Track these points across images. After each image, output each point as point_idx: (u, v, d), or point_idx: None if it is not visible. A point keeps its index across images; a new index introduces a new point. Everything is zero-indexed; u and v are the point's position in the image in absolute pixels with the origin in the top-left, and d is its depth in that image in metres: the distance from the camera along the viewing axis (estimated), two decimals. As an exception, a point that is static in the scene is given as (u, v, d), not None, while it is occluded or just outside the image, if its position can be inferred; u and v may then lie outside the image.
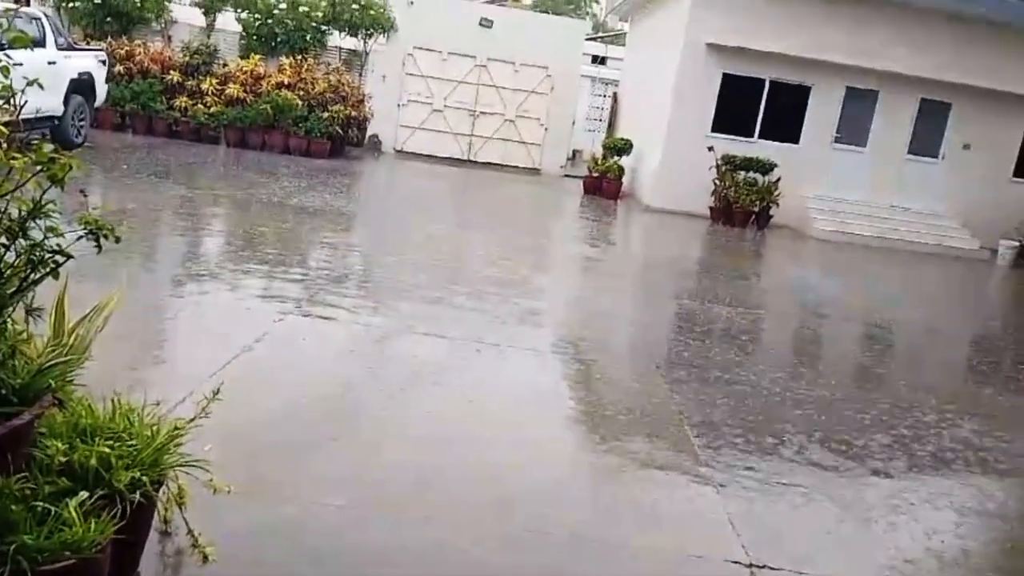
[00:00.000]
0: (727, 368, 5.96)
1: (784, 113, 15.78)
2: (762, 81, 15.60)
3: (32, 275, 2.26)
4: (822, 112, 15.89)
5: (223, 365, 4.47)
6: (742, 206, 14.84)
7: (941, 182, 16.21)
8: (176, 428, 2.64)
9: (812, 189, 15.65)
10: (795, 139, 15.95)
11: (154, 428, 2.61)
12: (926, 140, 16.18)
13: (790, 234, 15.01)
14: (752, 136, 15.79)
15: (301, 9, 17.36)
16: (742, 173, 15.03)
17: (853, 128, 15.99)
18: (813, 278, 11.91)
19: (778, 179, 14.96)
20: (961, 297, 12.32)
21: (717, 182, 15.08)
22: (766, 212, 15.02)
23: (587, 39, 22.97)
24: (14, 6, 11.41)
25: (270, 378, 4.57)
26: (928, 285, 12.83)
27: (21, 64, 2.45)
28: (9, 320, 2.40)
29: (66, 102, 11.55)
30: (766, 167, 14.96)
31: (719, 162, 15.04)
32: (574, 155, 21.84)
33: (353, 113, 16.60)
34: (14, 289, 2.28)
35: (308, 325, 5.61)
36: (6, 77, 2.16)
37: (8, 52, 2.37)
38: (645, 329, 7.33)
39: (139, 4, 16.75)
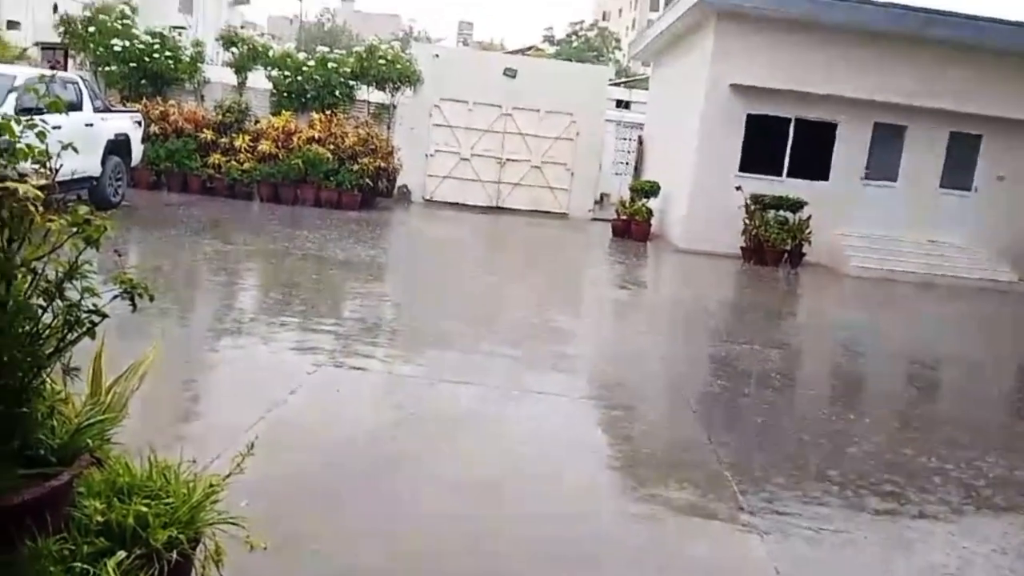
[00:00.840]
0: (766, 410, 5.84)
1: (811, 150, 15.71)
2: (787, 120, 15.59)
3: (69, 335, 2.27)
4: (850, 148, 15.81)
5: (258, 419, 4.46)
6: (773, 245, 14.72)
7: (976, 215, 15.97)
8: (212, 485, 2.62)
9: (844, 226, 15.49)
10: (824, 176, 15.86)
11: (190, 485, 2.59)
12: (958, 173, 15.99)
13: (825, 272, 14.83)
14: (780, 175, 15.72)
15: (330, 66, 17.75)
16: (772, 212, 14.93)
17: (883, 163, 15.87)
18: (851, 316, 11.72)
19: (808, 217, 14.84)
20: (1004, 331, 12.02)
21: (747, 221, 15.00)
22: (799, 250, 14.87)
23: (611, 84, 23.19)
24: (50, 72, 11.80)
25: (305, 431, 4.55)
26: (969, 320, 12.55)
27: (59, 127, 2.51)
28: (47, 380, 2.41)
29: (103, 163, 11.85)
30: (796, 205, 14.86)
31: (748, 201, 14.97)
32: (602, 198, 21.90)
33: (382, 164, 16.83)
34: (52, 349, 2.30)
35: (342, 376, 5.60)
36: (42, 142, 2.20)
37: (45, 117, 2.43)
38: (681, 372, 7.23)
39: (173, 66, 17.25)
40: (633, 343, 8.19)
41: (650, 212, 16.54)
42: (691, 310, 10.60)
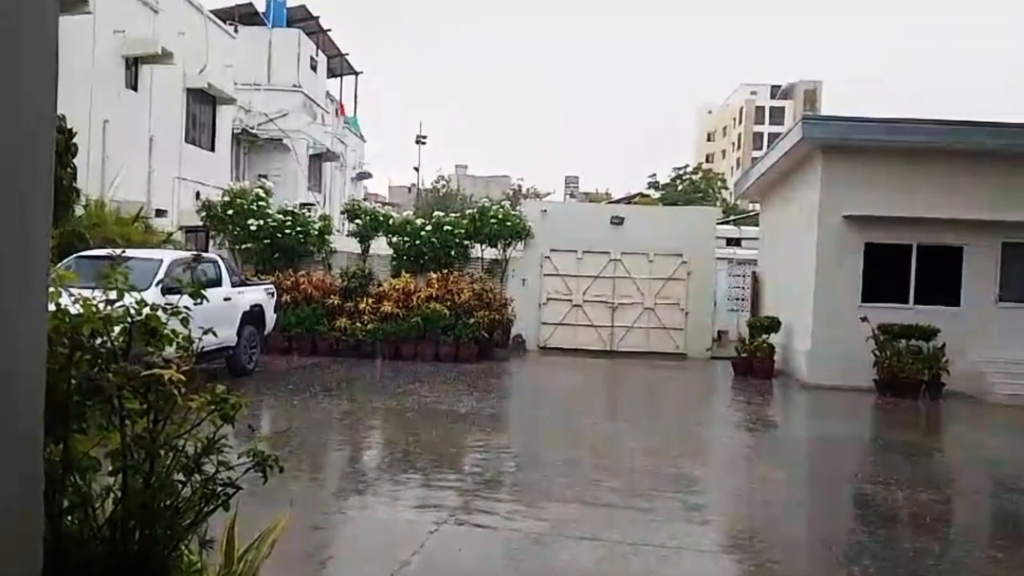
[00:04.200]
0: (920, 560, 5.34)
1: (938, 276, 15.05)
2: (909, 246, 15.09)
3: (206, 508, 2.39)
4: (979, 271, 15.05)
5: (382, 583, 4.44)
6: (909, 376, 13.91)
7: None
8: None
9: (983, 351, 14.52)
10: (955, 301, 15.07)
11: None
12: (1100, 288, 14.88)
13: (967, 401, 13.81)
14: (907, 302, 15.06)
15: (445, 228, 18.69)
16: (903, 341, 14.22)
17: (1017, 284, 14.97)
18: (1005, 449, 10.76)
19: (943, 345, 14.03)
20: None
21: (877, 353, 14.31)
22: (937, 380, 13.98)
23: (719, 223, 23.26)
24: (193, 254, 12.91)
25: (428, 595, 4.48)
26: None
27: (200, 303, 2.75)
28: (185, 552, 2.52)
29: (240, 333, 12.66)
30: (928, 333, 14.11)
31: (876, 332, 14.34)
32: (719, 336, 21.48)
33: (497, 316, 17.24)
34: (189, 522, 2.41)
35: (463, 534, 5.54)
36: (185, 327, 2.41)
37: (186, 297, 2.67)
38: (822, 520, 6.75)
39: (303, 240, 18.58)
40: (765, 490, 7.76)
41: (772, 348, 16.06)
42: (827, 451, 10.01)
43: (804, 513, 6.92)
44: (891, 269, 15.04)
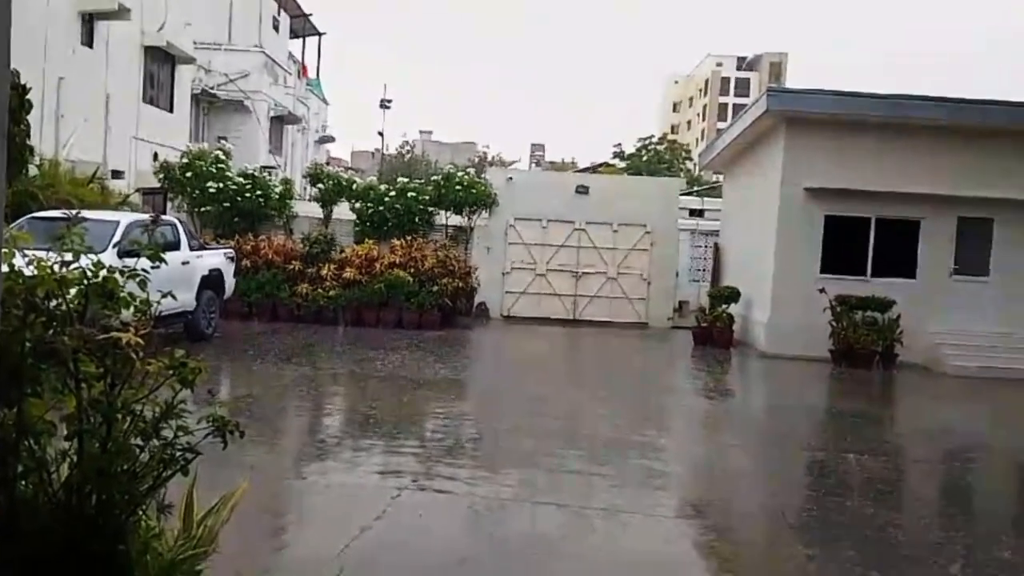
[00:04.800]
0: (870, 525, 5.50)
1: (895, 249, 15.34)
2: (867, 219, 15.33)
3: (164, 473, 2.36)
4: (935, 245, 15.37)
5: (343, 547, 4.46)
6: (864, 347, 14.22)
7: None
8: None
9: (937, 324, 14.88)
10: (911, 274, 15.39)
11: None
12: (1055, 263, 15.30)
13: (922, 373, 14.18)
14: (865, 274, 15.33)
15: (410, 195, 18.52)
16: (859, 313, 14.50)
17: (972, 258, 15.32)
18: (955, 419, 11.09)
19: (898, 316, 14.35)
20: None
21: (834, 324, 14.59)
22: (891, 351, 14.31)
23: (683, 194, 23.38)
24: (151, 216, 12.65)
25: (390, 558, 4.51)
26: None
27: (157, 266, 2.71)
28: (143, 517, 2.49)
29: (198, 298, 12.48)
30: (884, 305, 14.41)
31: (833, 303, 14.61)
32: (680, 306, 21.71)
33: (461, 284, 17.20)
34: (147, 487, 2.39)
35: (425, 499, 5.58)
36: (143, 290, 2.36)
37: (144, 259, 2.62)
38: (776, 486, 6.92)
39: (264, 203, 18.28)
40: (723, 456, 7.91)
41: (731, 318, 16.29)
42: (784, 419, 10.23)
43: (758, 480, 7.08)
44: (850, 242, 15.28)
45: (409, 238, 17.74)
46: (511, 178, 20.16)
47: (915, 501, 6.71)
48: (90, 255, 2.61)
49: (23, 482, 2.37)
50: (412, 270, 16.72)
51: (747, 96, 71.04)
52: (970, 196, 14.88)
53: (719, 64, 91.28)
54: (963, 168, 14.98)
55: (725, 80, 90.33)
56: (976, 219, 15.29)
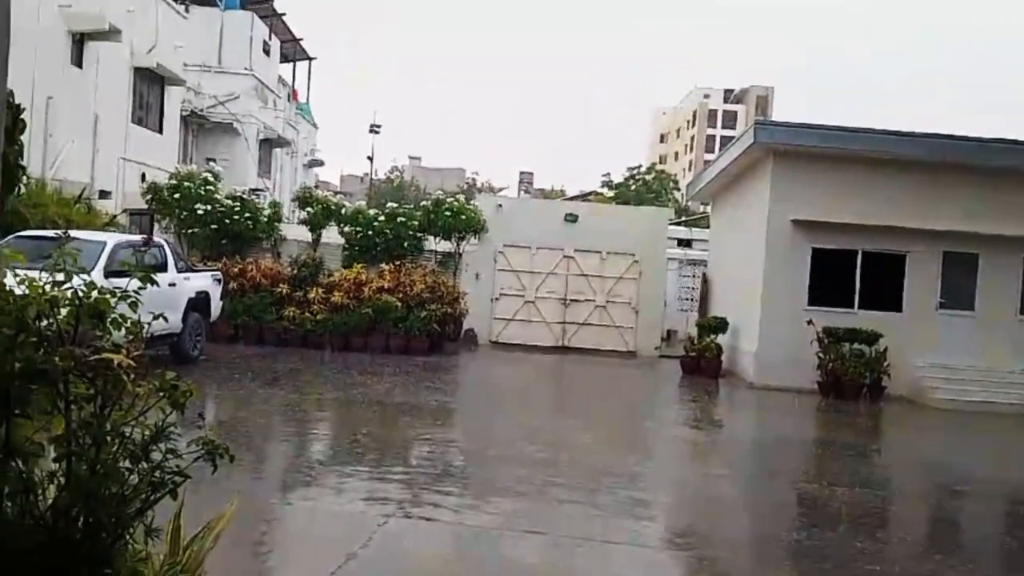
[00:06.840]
0: (857, 559, 5.48)
1: (882, 282, 15.44)
2: (855, 252, 15.45)
3: (152, 496, 2.33)
4: (921, 279, 15.49)
5: (329, 575, 4.39)
6: (852, 379, 14.27)
7: (1062, 341, 15.25)
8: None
9: (923, 357, 14.96)
10: (897, 307, 15.49)
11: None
12: (1038, 299, 15.45)
13: (907, 405, 14.22)
14: (852, 307, 15.41)
15: (399, 219, 18.54)
16: (846, 345, 14.57)
17: (958, 292, 15.45)
18: (942, 452, 11.10)
19: (885, 349, 14.42)
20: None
21: (821, 356, 14.64)
22: (878, 383, 14.37)
23: (671, 224, 23.54)
24: (140, 238, 12.60)
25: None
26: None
27: (148, 287, 2.69)
28: (130, 541, 2.45)
29: (184, 319, 12.39)
30: (871, 338, 14.48)
31: (820, 335, 14.67)
32: (668, 335, 21.77)
33: (449, 310, 17.17)
34: (135, 510, 2.35)
35: (411, 527, 5.52)
36: (134, 312, 2.34)
37: (131, 281, 2.60)
38: (763, 517, 6.89)
39: (252, 226, 18.22)
40: (709, 487, 7.88)
41: (719, 348, 16.32)
42: (771, 450, 10.21)
43: (744, 511, 7.06)
44: (837, 274, 15.38)
45: (398, 263, 17.72)
46: (500, 205, 20.25)
47: (902, 534, 6.69)
48: (82, 275, 2.59)
49: (10, 503, 2.32)
50: (400, 295, 16.67)
51: (734, 128, 71.93)
52: (956, 231, 15.03)
53: (706, 96, 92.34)
54: (949, 203, 15.15)
55: (712, 112, 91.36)
56: (962, 254, 15.43)
